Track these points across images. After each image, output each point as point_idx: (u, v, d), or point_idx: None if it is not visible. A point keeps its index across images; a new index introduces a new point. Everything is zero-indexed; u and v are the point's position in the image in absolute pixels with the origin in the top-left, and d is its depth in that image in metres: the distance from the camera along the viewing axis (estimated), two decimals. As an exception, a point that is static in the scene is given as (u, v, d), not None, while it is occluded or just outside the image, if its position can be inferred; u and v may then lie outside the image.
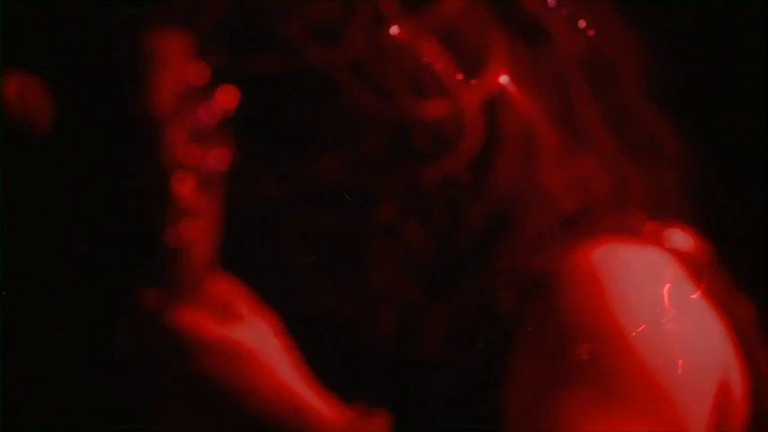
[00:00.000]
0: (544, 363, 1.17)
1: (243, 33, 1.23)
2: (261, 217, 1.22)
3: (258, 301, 0.95)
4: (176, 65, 0.88)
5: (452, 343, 1.27)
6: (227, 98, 0.90)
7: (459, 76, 1.27)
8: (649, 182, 1.39)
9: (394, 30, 1.33)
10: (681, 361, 1.27)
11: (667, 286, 1.31)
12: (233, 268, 1.02)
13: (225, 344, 0.88)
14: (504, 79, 1.30)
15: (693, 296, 1.32)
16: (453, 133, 1.27)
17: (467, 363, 1.28)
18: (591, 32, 1.39)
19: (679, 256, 1.40)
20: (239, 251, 1.05)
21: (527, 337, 1.24)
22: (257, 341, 0.91)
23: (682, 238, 1.39)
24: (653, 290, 1.23)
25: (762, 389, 1.38)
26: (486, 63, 1.32)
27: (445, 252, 1.29)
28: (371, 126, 1.29)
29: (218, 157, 0.87)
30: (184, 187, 0.84)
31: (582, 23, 1.42)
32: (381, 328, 1.30)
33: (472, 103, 1.31)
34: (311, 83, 1.27)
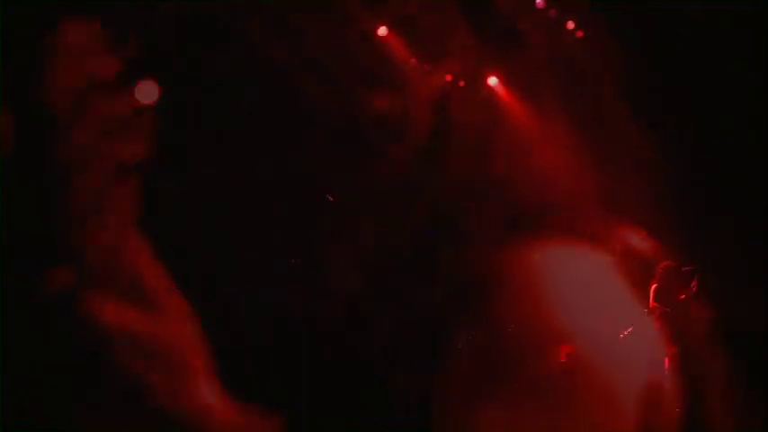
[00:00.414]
0: (479, 358, 1.21)
1: (197, 27, 1.23)
2: (206, 212, 1.23)
3: (175, 292, 0.97)
4: (84, 57, 0.88)
5: (396, 339, 1.29)
6: (144, 92, 0.90)
7: (416, 71, 1.27)
8: (614, 182, 1.40)
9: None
10: (610, 359, 1.31)
11: (605, 289, 1.32)
12: (176, 264, 1.03)
13: (132, 334, 0.90)
14: (493, 81, 1.30)
15: (631, 299, 1.35)
16: (405, 127, 1.28)
17: (408, 359, 1.30)
18: (579, 34, 1.40)
19: (629, 257, 1.43)
20: (182, 248, 1.06)
21: (465, 334, 1.27)
22: (167, 334, 0.92)
23: (635, 240, 1.40)
24: (591, 291, 1.26)
25: (702, 390, 1.41)
26: (444, 58, 1.32)
27: (392, 248, 1.31)
28: (322, 121, 1.31)
29: (131, 152, 0.87)
30: (93, 180, 0.84)
31: (571, 25, 1.43)
32: (326, 324, 1.33)
33: (426, 97, 1.33)
34: (264, 78, 1.28)
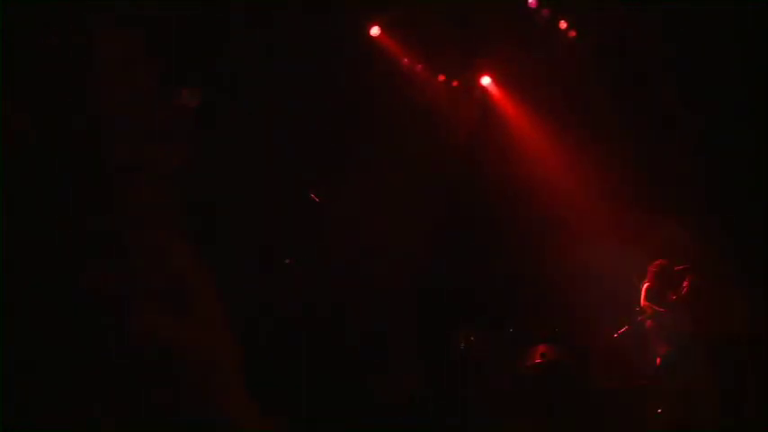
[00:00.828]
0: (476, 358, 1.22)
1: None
2: (204, 211, 1.23)
3: (214, 301, 0.98)
4: (125, 66, 0.89)
5: (396, 339, 1.29)
6: (186, 98, 0.91)
7: (442, 75, 1.28)
8: (651, 177, 1.40)
9: (375, 30, 1.34)
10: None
11: (643, 287, 1.33)
12: (217, 266, 1.04)
13: (171, 345, 0.91)
14: (485, 80, 1.31)
15: (670, 298, 1.36)
16: (438, 129, 1.29)
17: (408, 359, 1.31)
18: (572, 34, 1.40)
19: (664, 257, 1.44)
20: (215, 249, 1.06)
21: (466, 335, 1.28)
22: (204, 344, 0.93)
23: (671, 237, 1.41)
24: (625, 291, 1.27)
25: (694, 392, 1.42)
26: (472, 62, 1.33)
27: (428, 249, 1.32)
28: (356, 122, 1.32)
29: (173, 156, 0.88)
30: (136, 184, 0.85)
31: (563, 24, 1.44)
32: (325, 324, 1.34)
33: (453, 100, 1.34)
34: (265, 76, 1.28)
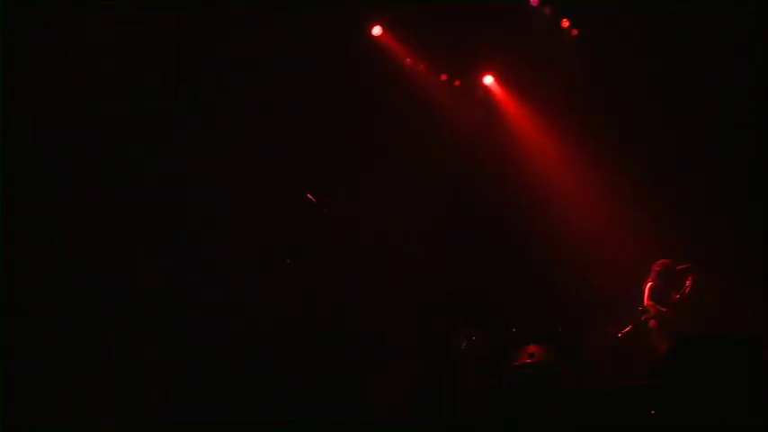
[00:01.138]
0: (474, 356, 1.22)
1: None
2: (206, 211, 1.22)
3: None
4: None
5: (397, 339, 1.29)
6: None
7: (444, 75, 1.28)
8: (651, 177, 1.40)
9: (377, 29, 1.34)
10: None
11: (646, 286, 1.33)
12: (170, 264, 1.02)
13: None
14: (488, 80, 1.31)
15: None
16: (440, 129, 1.28)
17: (408, 358, 1.30)
18: (574, 32, 1.40)
19: (667, 257, 1.44)
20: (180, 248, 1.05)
21: (467, 334, 1.28)
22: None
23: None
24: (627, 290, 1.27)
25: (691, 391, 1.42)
26: (474, 61, 1.33)
27: (429, 249, 1.31)
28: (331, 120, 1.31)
29: None
30: None
31: (565, 23, 1.43)
32: (327, 325, 1.34)
33: (455, 100, 1.33)
34: (267, 77, 1.27)
